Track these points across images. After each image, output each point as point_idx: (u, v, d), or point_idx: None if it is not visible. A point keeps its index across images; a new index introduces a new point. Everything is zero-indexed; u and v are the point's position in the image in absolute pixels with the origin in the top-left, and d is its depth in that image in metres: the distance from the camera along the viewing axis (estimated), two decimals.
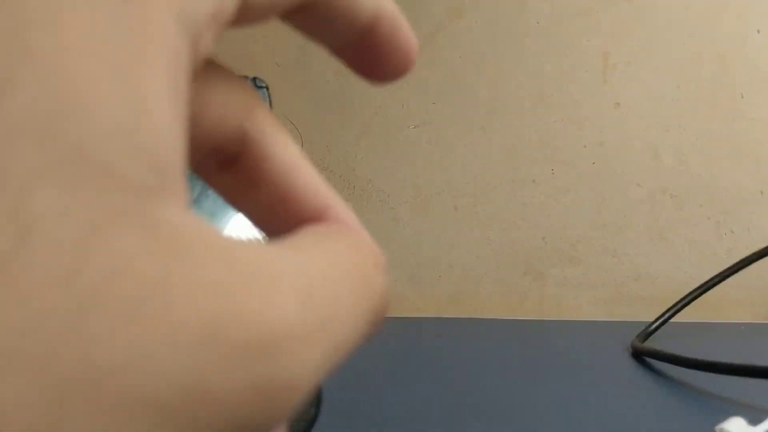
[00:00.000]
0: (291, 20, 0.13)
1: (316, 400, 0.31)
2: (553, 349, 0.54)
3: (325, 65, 0.73)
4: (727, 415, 0.32)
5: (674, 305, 0.56)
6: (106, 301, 0.08)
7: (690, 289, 0.57)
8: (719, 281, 0.56)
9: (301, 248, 0.11)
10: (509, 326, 0.65)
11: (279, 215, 0.13)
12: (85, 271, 0.08)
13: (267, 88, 0.31)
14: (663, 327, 0.55)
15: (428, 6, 0.73)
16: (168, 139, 0.09)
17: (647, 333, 0.54)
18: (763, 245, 0.56)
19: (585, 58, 0.70)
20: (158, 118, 0.09)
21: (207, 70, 0.12)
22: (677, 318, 0.56)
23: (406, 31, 0.14)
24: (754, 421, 0.32)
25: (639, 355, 0.50)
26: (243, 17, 0.11)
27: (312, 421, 0.30)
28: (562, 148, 0.71)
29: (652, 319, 0.56)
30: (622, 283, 0.71)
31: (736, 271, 0.56)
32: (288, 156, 0.13)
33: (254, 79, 0.31)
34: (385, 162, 0.74)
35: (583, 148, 0.71)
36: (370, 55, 0.14)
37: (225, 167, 0.13)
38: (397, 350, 0.55)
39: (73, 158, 0.08)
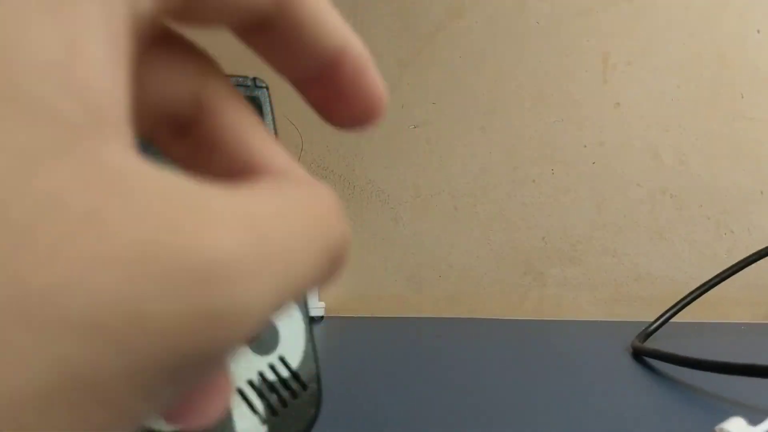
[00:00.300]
0: (252, 41, 0.13)
1: (316, 400, 0.31)
2: (553, 349, 0.54)
3: None
4: (727, 415, 0.32)
5: (674, 305, 0.56)
6: (37, 234, 0.08)
7: (690, 289, 0.57)
8: (719, 281, 0.56)
9: (255, 189, 0.11)
10: (509, 326, 0.65)
11: (237, 183, 0.13)
12: (17, 205, 0.08)
13: (267, 88, 0.31)
14: (663, 327, 0.55)
15: (428, 6, 0.73)
16: (103, 80, 0.09)
17: (647, 333, 0.54)
18: (763, 245, 0.56)
19: (585, 58, 0.70)
20: (90, 57, 0.09)
21: (163, 38, 0.12)
22: (677, 318, 0.56)
23: (373, 77, 0.14)
24: (754, 421, 0.32)
25: (639, 355, 0.50)
26: (194, 7, 0.11)
27: (312, 421, 0.30)
28: (562, 148, 0.71)
29: (652, 319, 0.56)
30: (622, 283, 0.71)
31: (736, 271, 0.56)
32: (242, 121, 0.13)
33: (254, 79, 0.31)
34: (385, 162, 0.74)
35: (583, 148, 0.71)
36: (332, 95, 0.14)
37: (180, 135, 0.13)
38: (397, 350, 0.55)
39: (4, 92, 0.08)
